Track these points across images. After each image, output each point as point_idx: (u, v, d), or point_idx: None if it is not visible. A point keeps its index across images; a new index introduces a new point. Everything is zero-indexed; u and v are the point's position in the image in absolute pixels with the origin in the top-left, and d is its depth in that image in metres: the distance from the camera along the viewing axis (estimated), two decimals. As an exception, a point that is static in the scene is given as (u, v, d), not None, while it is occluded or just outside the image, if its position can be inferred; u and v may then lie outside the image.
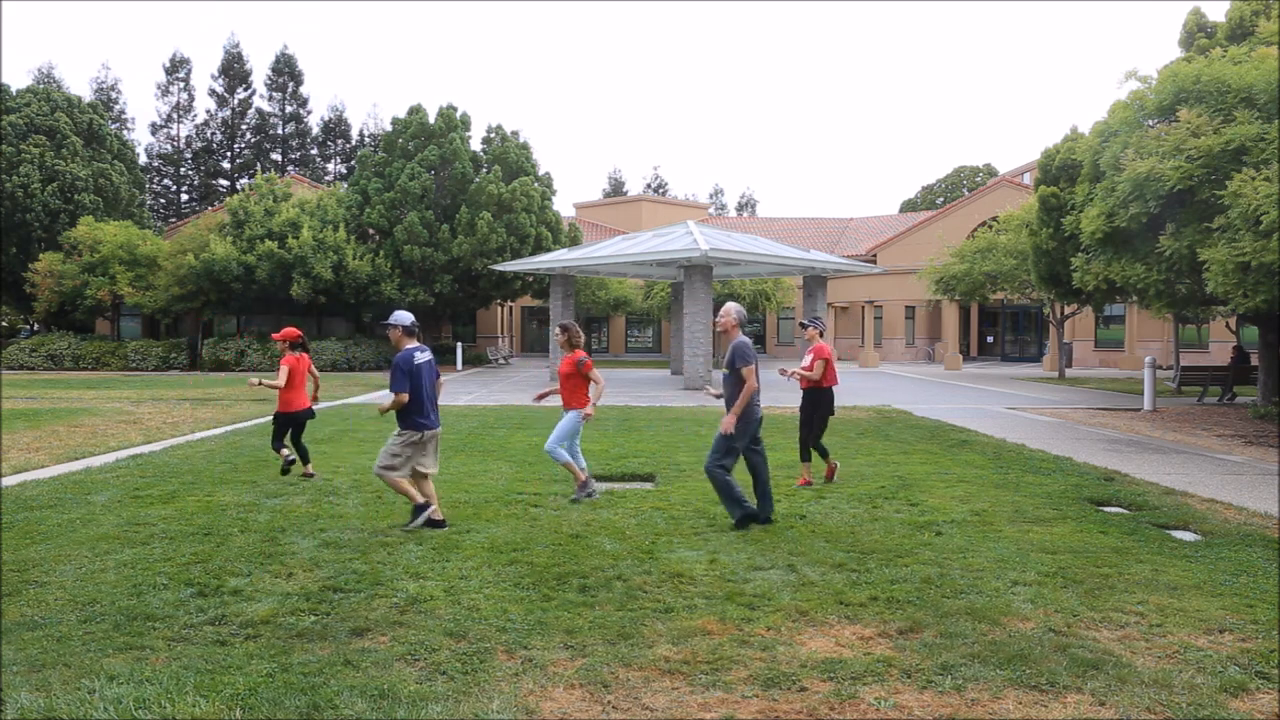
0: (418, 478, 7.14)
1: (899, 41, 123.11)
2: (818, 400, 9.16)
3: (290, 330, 9.65)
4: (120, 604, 5.11)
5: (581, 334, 8.48)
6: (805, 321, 9.42)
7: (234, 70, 61.31)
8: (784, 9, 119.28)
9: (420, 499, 7.07)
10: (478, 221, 32.60)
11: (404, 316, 7.22)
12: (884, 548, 6.49)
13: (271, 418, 9.92)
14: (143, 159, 54.87)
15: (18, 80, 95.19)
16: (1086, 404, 19.56)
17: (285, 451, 9.33)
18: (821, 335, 9.40)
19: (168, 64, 61.92)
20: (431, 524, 7.00)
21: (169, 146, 61.33)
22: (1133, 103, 14.78)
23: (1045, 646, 4.54)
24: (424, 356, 7.15)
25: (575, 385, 8.18)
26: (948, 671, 4.25)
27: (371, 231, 34.54)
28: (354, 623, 4.84)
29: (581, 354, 8.25)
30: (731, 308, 7.37)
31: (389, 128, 36.15)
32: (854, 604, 5.22)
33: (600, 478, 9.36)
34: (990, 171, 66.54)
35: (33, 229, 34.97)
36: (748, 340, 7.29)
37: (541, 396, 8.80)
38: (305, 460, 9.49)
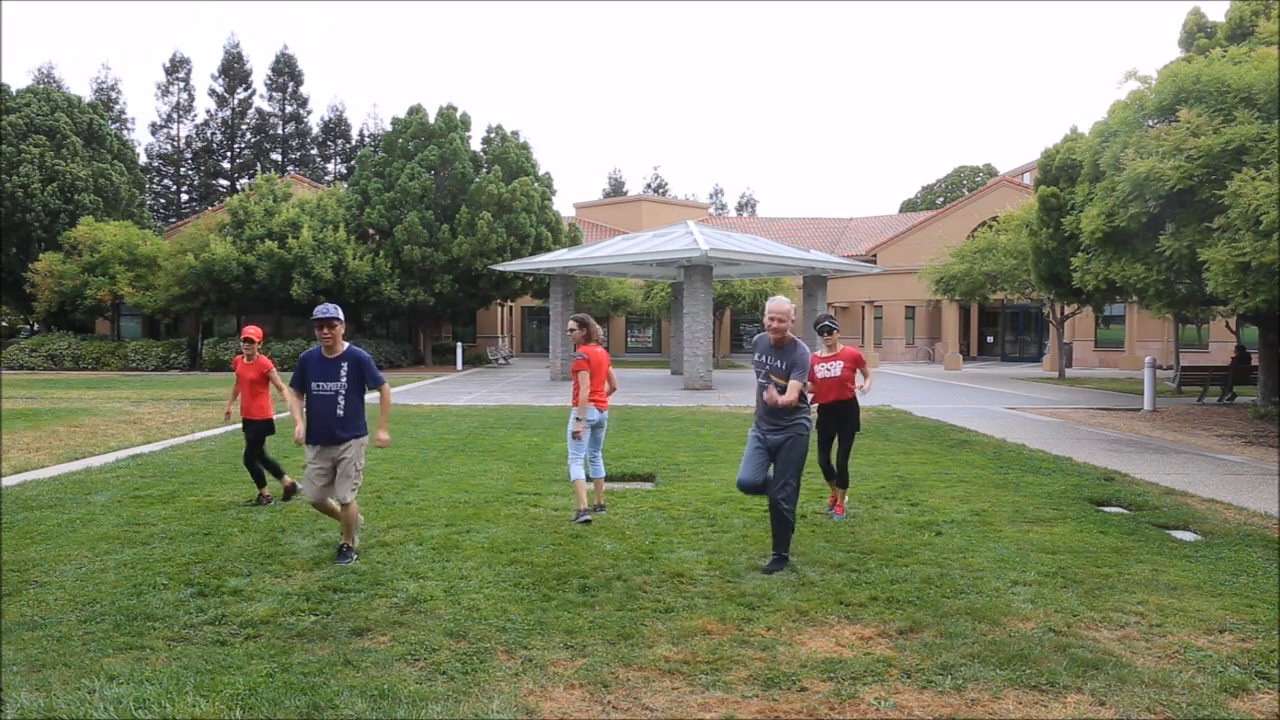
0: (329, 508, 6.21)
1: (899, 41, 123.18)
2: (846, 412, 7.60)
3: (246, 330, 8.28)
4: (120, 604, 5.11)
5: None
6: (829, 325, 7.63)
7: (234, 70, 61.32)
8: (784, 9, 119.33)
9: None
10: (478, 221, 32.60)
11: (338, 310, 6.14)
12: (884, 548, 6.49)
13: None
14: (143, 159, 54.92)
15: (18, 80, 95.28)
16: (1086, 404, 19.55)
17: (286, 479, 8.26)
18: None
19: (168, 64, 61.99)
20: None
21: (169, 146, 61.37)
22: (1133, 103, 14.77)
23: (1045, 646, 4.54)
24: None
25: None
26: (948, 671, 4.25)
27: (371, 231, 34.53)
28: (354, 623, 4.84)
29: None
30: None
31: (389, 128, 36.15)
32: (854, 604, 5.22)
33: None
34: (990, 171, 66.53)
35: (33, 229, 34.96)
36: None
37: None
38: (259, 481, 8.19)
